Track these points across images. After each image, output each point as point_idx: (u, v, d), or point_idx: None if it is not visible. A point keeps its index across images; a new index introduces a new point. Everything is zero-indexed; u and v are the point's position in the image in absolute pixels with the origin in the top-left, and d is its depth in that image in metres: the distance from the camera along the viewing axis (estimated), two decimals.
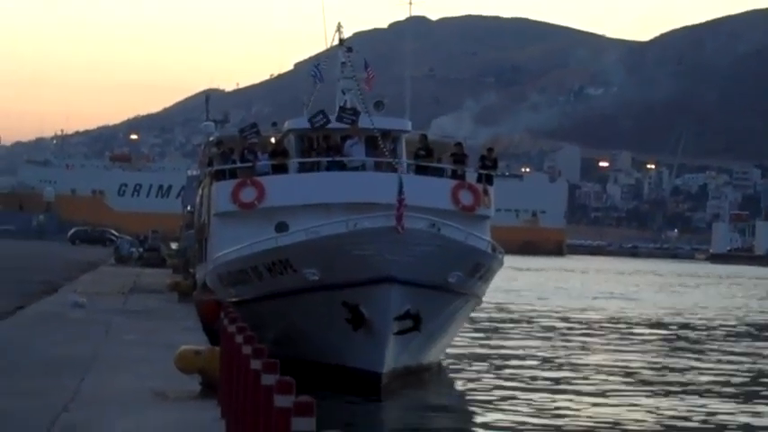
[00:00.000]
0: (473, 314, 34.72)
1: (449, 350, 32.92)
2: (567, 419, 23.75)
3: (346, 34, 34.48)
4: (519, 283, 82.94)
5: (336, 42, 34.30)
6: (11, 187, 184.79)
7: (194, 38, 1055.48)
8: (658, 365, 34.71)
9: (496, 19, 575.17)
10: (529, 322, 50.26)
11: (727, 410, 26.14)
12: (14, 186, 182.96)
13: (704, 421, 24.63)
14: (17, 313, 29.02)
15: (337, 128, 31.23)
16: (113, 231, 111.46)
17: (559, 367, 33.27)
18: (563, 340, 42.04)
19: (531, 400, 26.31)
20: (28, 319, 27.81)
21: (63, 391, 16.07)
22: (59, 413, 14.41)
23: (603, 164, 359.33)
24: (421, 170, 32.04)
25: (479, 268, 28.50)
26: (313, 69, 34.72)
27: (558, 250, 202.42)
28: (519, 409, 24.88)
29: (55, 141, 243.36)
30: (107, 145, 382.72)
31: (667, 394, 28.30)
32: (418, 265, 25.09)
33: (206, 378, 16.67)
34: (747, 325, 54.49)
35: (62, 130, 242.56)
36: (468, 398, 27.17)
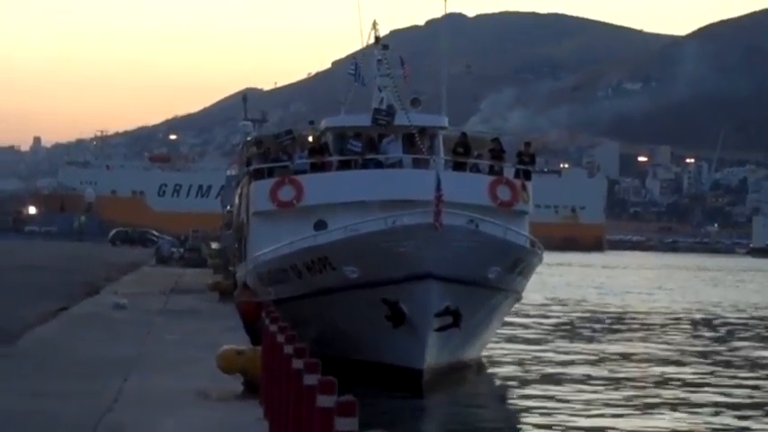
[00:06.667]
0: (513, 310, 34.65)
1: (489, 346, 32.88)
2: (612, 418, 23.64)
3: (382, 32, 34.56)
4: (558, 279, 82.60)
5: (372, 40, 34.35)
6: (52, 188, 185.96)
7: (232, 38, 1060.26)
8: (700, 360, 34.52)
9: (533, 15, 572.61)
10: (571, 319, 50.03)
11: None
12: (55, 187, 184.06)
13: None
14: (60, 315, 29.23)
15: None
16: (154, 232, 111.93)
17: (604, 364, 33.09)
18: (608, 338, 41.80)
19: (573, 396, 26.20)
20: (71, 320, 28.00)
21: (107, 392, 16.20)
22: (104, 413, 14.53)
23: (642, 159, 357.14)
24: (458, 167, 32.01)
25: (518, 264, 28.47)
26: (352, 68, 34.74)
27: (597, 246, 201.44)
28: (561, 406, 24.78)
29: (95, 142, 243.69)
30: (146, 145, 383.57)
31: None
32: (457, 261, 25.10)
33: (248, 378, 16.74)
34: None
35: (102, 131, 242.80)
36: (510, 394, 27.13)
